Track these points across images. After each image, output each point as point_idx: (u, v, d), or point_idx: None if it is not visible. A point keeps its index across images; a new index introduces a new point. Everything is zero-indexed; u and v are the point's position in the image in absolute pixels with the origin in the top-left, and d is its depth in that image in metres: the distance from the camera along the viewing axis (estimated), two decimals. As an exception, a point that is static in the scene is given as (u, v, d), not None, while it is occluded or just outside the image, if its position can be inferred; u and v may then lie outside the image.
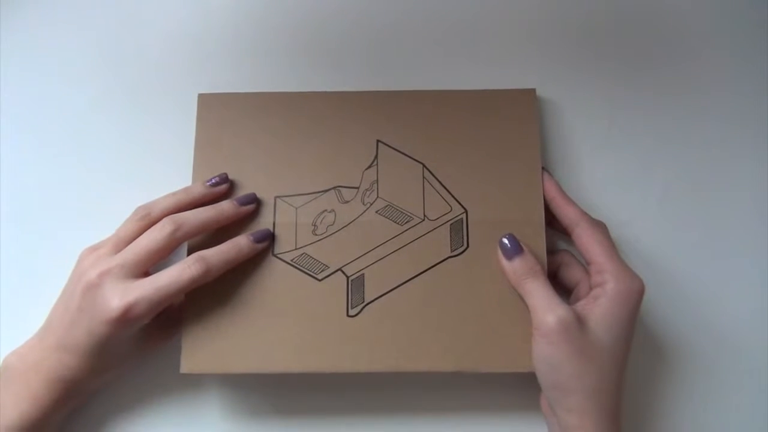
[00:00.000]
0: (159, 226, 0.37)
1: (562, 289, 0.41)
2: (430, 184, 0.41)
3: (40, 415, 0.36)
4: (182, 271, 0.36)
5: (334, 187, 0.41)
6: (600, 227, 0.39)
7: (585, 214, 0.40)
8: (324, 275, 0.40)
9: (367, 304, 0.39)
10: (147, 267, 0.37)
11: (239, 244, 0.38)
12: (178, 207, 0.39)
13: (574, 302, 0.38)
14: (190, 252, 0.39)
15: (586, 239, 0.38)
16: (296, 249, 0.40)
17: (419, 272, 0.39)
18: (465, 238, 0.40)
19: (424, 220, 0.40)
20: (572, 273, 0.40)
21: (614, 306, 0.36)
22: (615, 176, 0.45)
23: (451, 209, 0.40)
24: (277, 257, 0.40)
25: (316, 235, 0.40)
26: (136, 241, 0.37)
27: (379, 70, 0.47)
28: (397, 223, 0.40)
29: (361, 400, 0.42)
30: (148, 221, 0.38)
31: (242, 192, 0.41)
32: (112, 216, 0.40)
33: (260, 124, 0.42)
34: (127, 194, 0.41)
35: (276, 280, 0.39)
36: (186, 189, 0.40)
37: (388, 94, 0.43)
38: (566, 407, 0.36)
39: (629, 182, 0.45)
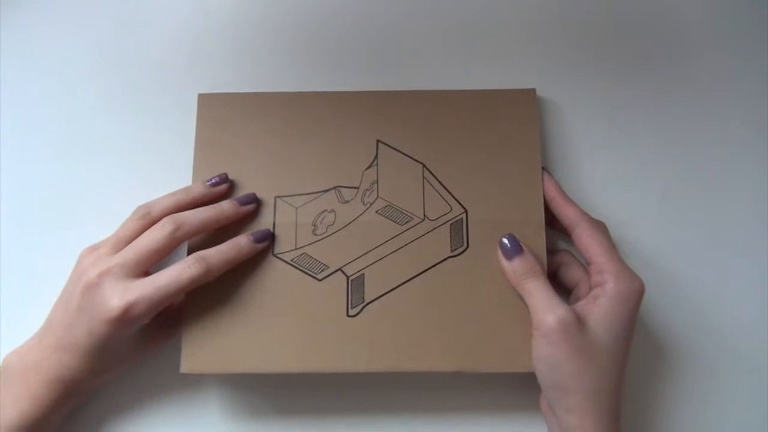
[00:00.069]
0: (159, 226, 0.37)
1: (562, 289, 0.41)
2: (430, 184, 0.41)
3: (40, 414, 0.36)
4: (182, 270, 0.36)
5: (334, 187, 0.41)
6: (600, 227, 0.39)
7: (585, 214, 0.40)
8: (324, 275, 0.40)
9: (367, 304, 0.39)
10: (147, 267, 0.37)
11: (239, 244, 0.38)
12: (178, 207, 0.39)
13: (574, 302, 0.38)
14: (190, 252, 0.39)
15: (586, 239, 0.38)
16: (296, 249, 0.40)
17: (419, 272, 0.39)
18: (465, 238, 0.40)
19: (424, 220, 0.40)
20: (572, 273, 0.40)
21: (614, 306, 0.36)
22: (615, 176, 0.45)
23: (451, 209, 0.40)
24: (277, 257, 0.40)
25: (316, 235, 0.40)
26: (136, 240, 0.37)
27: (379, 70, 0.47)
28: (397, 223, 0.40)
29: (361, 400, 0.42)
30: (148, 221, 0.38)
31: (242, 192, 0.41)
32: (112, 216, 0.40)
33: (260, 124, 0.42)
34: (127, 194, 0.41)
35: (276, 280, 0.39)
36: (186, 189, 0.40)
37: (388, 94, 0.43)
38: (566, 407, 0.35)
39: (629, 182, 0.45)
